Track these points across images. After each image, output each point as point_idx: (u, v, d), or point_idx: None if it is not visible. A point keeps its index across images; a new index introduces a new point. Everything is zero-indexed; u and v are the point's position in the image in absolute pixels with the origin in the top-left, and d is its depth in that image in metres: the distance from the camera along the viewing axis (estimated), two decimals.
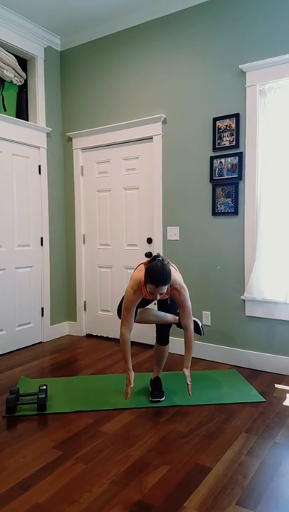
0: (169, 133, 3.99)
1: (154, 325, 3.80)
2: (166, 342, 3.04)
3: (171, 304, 2.95)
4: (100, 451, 2.33)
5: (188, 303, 2.75)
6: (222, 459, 2.24)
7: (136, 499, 1.91)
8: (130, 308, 2.71)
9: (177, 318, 2.92)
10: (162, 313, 2.91)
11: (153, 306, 3.07)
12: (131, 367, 2.76)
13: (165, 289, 2.53)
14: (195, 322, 3.03)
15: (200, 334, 3.09)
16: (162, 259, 2.56)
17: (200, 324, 3.09)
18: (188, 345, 2.78)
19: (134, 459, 2.24)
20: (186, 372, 2.73)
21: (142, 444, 2.39)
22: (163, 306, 2.99)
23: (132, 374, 2.73)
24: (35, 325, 4.49)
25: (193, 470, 2.14)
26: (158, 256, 2.59)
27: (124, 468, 2.16)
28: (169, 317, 2.91)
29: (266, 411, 2.81)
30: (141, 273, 2.69)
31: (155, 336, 3.09)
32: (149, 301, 3.00)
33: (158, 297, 2.57)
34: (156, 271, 2.48)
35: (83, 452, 2.32)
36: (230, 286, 3.73)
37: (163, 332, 3.01)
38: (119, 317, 2.85)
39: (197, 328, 3.05)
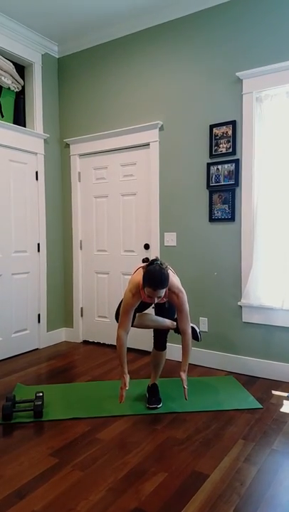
0: (166, 139, 4.01)
1: (152, 331, 3.80)
2: (164, 347, 3.04)
3: (169, 308, 2.95)
4: (96, 458, 2.32)
5: (186, 307, 2.75)
6: (219, 466, 2.23)
7: (133, 506, 1.90)
8: (128, 311, 2.71)
9: (175, 323, 2.94)
10: (160, 319, 2.92)
11: (151, 311, 3.07)
12: (126, 370, 2.74)
13: (163, 292, 2.54)
14: (192, 328, 3.03)
15: (197, 340, 3.08)
16: (160, 263, 2.57)
17: (198, 330, 3.08)
18: (185, 350, 2.78)
19: (131, 466, 2.23)
20: (183, 376, 2.73)
21: (139, 451, 2.38)
22: (161, 310, 2.99)
23: (127, 377, 2.71)
24: (31, 331, 4.47)
25: (190, 477, 2.13)
26: (156, 259, 2.61)
27: (121, 476, 2.15)
28: (167, 322, 2.93)
29: (263, 418, 2.80)
30: (139, 276, 2.69)
31: (153, 341, 3.08)
32: (148, 305, 3.00)
33: (156, 300, 2.58)
34: (154, 274, 2.49)
35: (80, 459, 2.31)
36: (227, 292, 3.73)
37: (160, 337, 3.01)
38: (117, 321, 2.84)
39: (195, 334, 3.05)
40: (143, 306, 2.97)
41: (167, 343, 3.11)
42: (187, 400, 2.93)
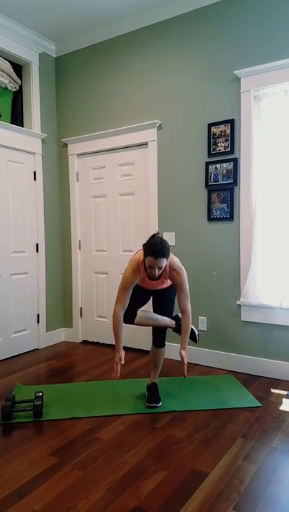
0: (164, 139, 4.01)
1: (150, 329, 3.79)
2: (163, 344, 3.05)
3: (167, 298, 2.98)
4: (96, 457, 2.32)
5: (187, 285, 2.78)
6: (219, 465, 2.23)
7: (133, 505, 1.90)
8: (127, 287, 2.74)
9: (174, 322, 2.98)
10: (160, 317, 2.94)
11: (149, 307, 3.07)
12: (121, 346, 2.77)
13: (163, 262, 2.57)
14: (191, 329, 3.04)
15: (195, 342, 3.09)
16: (161, 237, 2.64)
17: (196, 332, 3.09)
18: (185, 329, 2.83)
19: (131, 465, 2.23)
20: (183, 353, 2.78)
21: (139, 450, 2.38)
22: (159, 300, 3.00)
23: (123, 353, 2.74)
24: (30, 332, 4.47)
25: (189, 475, 2.13)
26: (157, 233, 2.68)
27: (121, 475, 2.15)
28: (167, 321, 2.96)
29: (262, 416, 2.80)
30: (140, 255, 2.74)
31: (151, 339, 3.09)
32: (147, 295, 2.99)
33: (156, 272, 2.59)
34: (155, 244, 2.57)
35: (79, 459, 2.31)
36: (226, 291, 3.73)
37: (159, 334, 3.02)
38: None
39: (193, 336, 3.06)
40: (143, 297, 2.96)
41: (167, 343, 3.12)
42: (186, 377, 2.93)
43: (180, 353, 2.80)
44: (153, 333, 3.05)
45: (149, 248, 2.57)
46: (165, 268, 2.72)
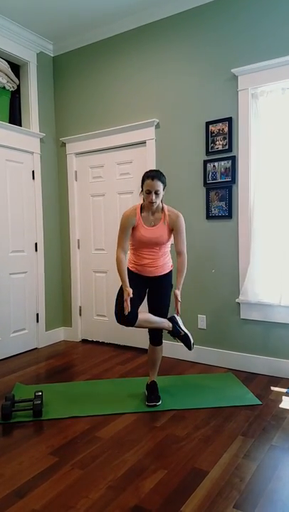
0: (163, 137, 4.01)
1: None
2: (160, 342, 3.06)
3: (163, 298, 2.99)
4: (96, 456, 2.32)
5: (184, 230, 2.95)
6: (219, 463, 2.23)
7: (133, 504, 1.90)
8: (124, 230, 2.89)
9: (171, 325, 3.00)
10: (158, 319, 2.95)
11: (145, 309, 3.07)
12: (128, 284, 2.84)
13: (160, 187, 2.78)
14: (186, 335, 3.03)
15: (190, 349, 3.08)
16: None
17: (191, 341, 3.06)
18: (180, 270, 2.95)
19: (131, 464, 2.23)
20: (178, 292, 2.88)
21: (139, 449, 2.39)
22: (155, 298, 3.00)
23: (130, 290, 2.80)
24: (30, 331, 4.47)
25: (190, 474, 2.13)
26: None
27: (121, 473, 2.15)
28: (165, 323, 2.98)
29: (262, 414, 2.81)
30: (138, 204, 2.96)
31: (149, 337, 3.09)
32: (144, 286, 2.99)
33: (154, 198, 2.78)
34: (151, 170, 2.86)
35: (80, 458, 2.31)
36: (225, 289, 3.73)
37: (156, 332, 3.03)
38: (118, 320, 2.85)
39: (187, 342, 3.05)
40: (140, 290, 2.96)
41: (164, 341, 3.11)
42: (179, 314, 2.97)
43: (174, 292, 2.89)
44: (149, 332, 3.05)
45: (146, 173, 2.82)
46: (164, 211, 2.89)
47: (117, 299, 2.88)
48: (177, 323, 3.02)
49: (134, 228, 2.90)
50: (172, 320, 3.02)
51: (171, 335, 3.02)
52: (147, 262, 2.92)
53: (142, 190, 2.84)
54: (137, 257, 2.96)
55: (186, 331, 3.05)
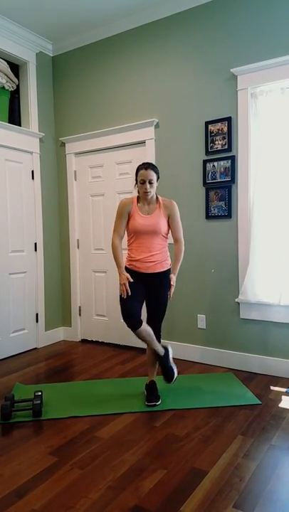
0: (162, 137, 4.00)
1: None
2: (159, 341, 3.04)
3: (162, 298, 2.98)
4: (96, 456, 2.32)
5: (179, 217, 3.01)
6: (218, 463, 2.23)
7: (132, 504, 1.90)
8: (120, 216, 2.97)
9: (163, 351, 3.00)
10: (156, 339, 2.95)
11: (144, 314, 3.06)
12: (124, 270, 2.92)
13: (154, 176, 2.86)
14: (172, 368, 3.02)
15: (168, 382, 3.04)
16: None
17: (175, 376, 3.03)
18: (177, 256, 3.03)
19: (131, 464, 2.23)
20: (173, 276, 2.98)
21: (138, 449, 2.38)
22: (153, 299, 2.99)
23: (127, 274, 2.87)
24: (29, 331, 4.47)
25: (189, 474, 2.13)
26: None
27: (121, 473, 2.15)
28: (159, 346, 2.98)
29: (262, 413, 2.81)
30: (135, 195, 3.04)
31: None
32: (143, 285, 2.97)
33: (148, 187, 2.85)
34: (144, 162, 2.96)
35: (79, 458, 2.31)
36: (224, 289, 3.73)
37: (154, 331, 3.01)
38: (125, 320, 2.84)
39: (170, 374, 3.01)
40: (139, 290, 2.94)
41: (163, 340, 3.10)
42: (171, 298, 3.02)
43: (170, 276, 2.97)
44: None
45: (140, 165, 2.91)
46: (158, 201, 2.96)
47: (120, 300, 2.88)
48: (168, 353, 3.04)
49: (130, 217, 2.95)
50: (166, 349, 3.04)
51: (159, 360, 3.02)
52: (144, 256, 2.91)
53: (136, 182, 2.92)
54: (134, 252, 2.95)
55: (173, 366, 3.04)
